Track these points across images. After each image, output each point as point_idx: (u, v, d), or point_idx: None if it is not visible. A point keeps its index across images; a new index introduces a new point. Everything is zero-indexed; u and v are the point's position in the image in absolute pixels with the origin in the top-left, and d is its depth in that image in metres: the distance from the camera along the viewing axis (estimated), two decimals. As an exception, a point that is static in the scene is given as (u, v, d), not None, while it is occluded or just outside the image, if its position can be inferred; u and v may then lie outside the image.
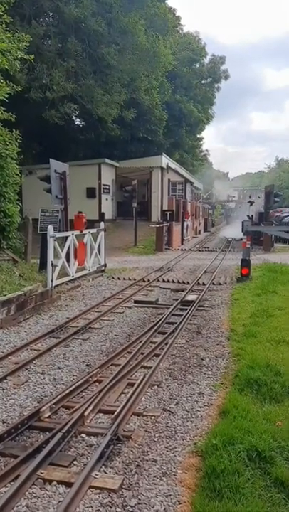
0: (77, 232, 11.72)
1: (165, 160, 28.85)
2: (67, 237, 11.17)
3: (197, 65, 39.79)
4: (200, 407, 4.61)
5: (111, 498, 3.15)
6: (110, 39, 21.30)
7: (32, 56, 11.69)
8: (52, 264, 9.75)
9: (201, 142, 51.08)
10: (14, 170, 10.88)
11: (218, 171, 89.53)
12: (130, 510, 3.05)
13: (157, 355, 6.06)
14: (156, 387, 5.11)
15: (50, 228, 10.08)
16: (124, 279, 12.68)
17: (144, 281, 12.19)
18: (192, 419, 4.38)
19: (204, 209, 44.25)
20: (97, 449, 3.67)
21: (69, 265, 11.04)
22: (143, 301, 9.61)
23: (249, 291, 10.39)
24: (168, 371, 5.59)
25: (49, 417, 4.31)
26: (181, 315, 8.24)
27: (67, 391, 4.76)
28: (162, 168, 28.56)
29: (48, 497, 3.15)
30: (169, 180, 30.85)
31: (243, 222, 12.83)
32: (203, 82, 40.91)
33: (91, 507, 3.06)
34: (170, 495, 3.21)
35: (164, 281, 12.46)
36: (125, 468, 3.51)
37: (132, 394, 4.67)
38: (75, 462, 3.60)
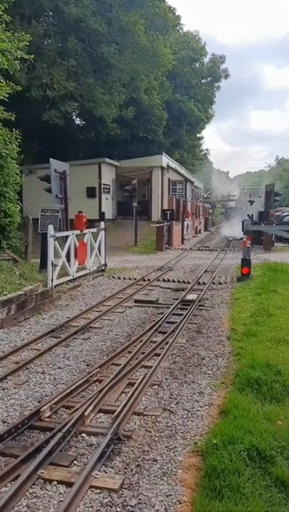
0: (77, 232, 11.71)
1: (165, 159, 28.84)
2: (67, 237, 11.17)
3: (197, 65, 39.82)
4: (200, 407, 4.61)
5: (111, 497, 3.15)
6: (110, 38, 21.29)
7: (32, 56, 11.71)
8: (52, 263, 9.75)
9: (201, 141, 51.23)
10: (14, 169, 10.88)
11: (219, 170, 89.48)
12: (131, 510, 3.05)
13: (158, 355, 6.05)
14: (156, 386, 5.10)
15: (51, 228, 10.08)
16: (124, 278, 12.68)
17: (144, 280, 12.19)
18: (192, 418, 4.37)
19: (204, 208, 44.20)
20: (98, 448, 3.67)
21: (69, 265, 11.04)
22: (143, 301, 9.61)
23: (249, 290, 10.37)
24: (168, 371, 5.59)
25: (49, 416, 4.31)
26: (181, 314, 8.24)
27: (68, 391, 4.76)
28: (162, 168, 28.54)
29: (49, 497, 3.15)
30: (169, 179, 30.84)
31: (243, 222, 12.82)
32: (203, 81, 40.94)
33: (91, 507, 3.06)
34: (170, 495, 3.21)
35: (164, 280, 12.46)
36: (126, 468, 3.51)
37: (133, 393, 4.67)
38: (75, 462, 3.59)
